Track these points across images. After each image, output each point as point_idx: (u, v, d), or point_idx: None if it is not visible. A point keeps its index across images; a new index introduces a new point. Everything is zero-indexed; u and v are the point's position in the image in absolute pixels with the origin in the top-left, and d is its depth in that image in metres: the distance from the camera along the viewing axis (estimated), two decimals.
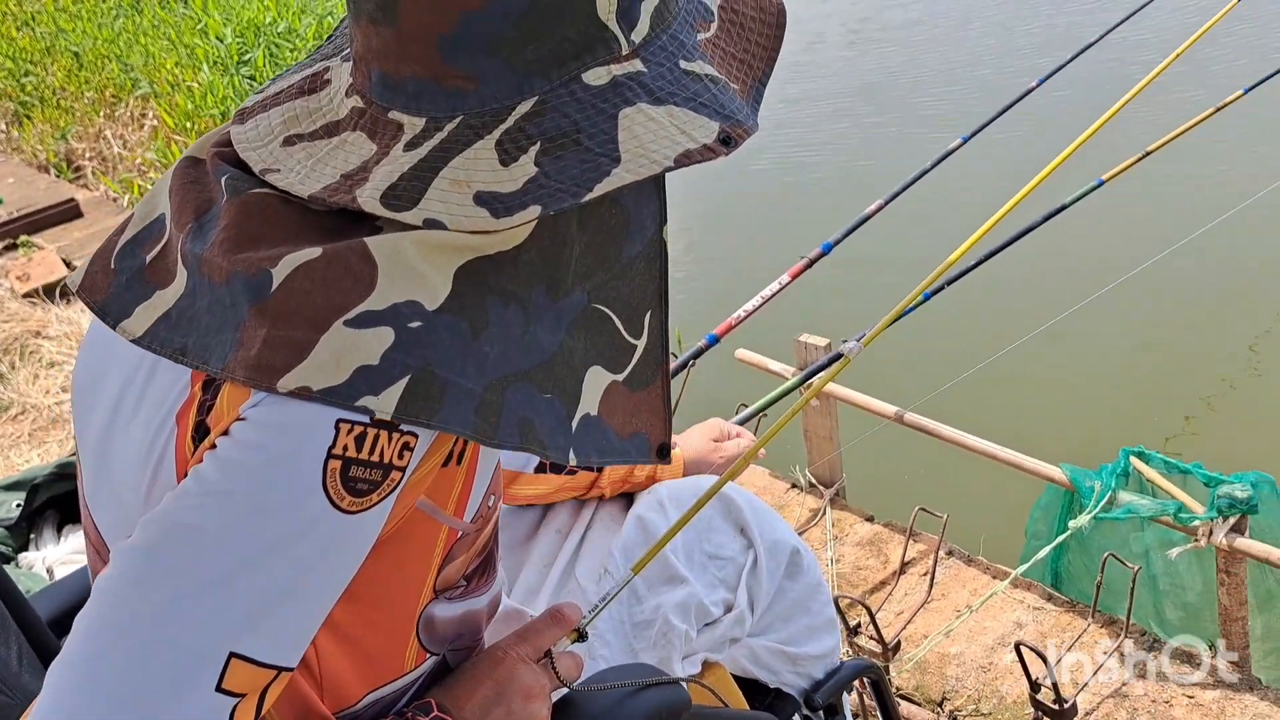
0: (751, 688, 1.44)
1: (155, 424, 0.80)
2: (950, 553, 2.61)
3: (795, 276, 2.57)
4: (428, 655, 0.92)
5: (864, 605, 1.77)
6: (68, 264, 4.74)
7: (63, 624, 1.20)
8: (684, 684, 1.12)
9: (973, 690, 2.24)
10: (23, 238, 5.12)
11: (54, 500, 2.51)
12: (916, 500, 2.80)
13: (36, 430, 3.59)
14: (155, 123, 6.16)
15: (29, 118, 6.72)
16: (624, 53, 0.76)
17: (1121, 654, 2.25)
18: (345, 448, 0.72)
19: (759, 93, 0.82)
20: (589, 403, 0.81)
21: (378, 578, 0.81)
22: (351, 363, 0.71)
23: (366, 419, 0.72)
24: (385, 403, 0.71)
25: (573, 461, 0.80)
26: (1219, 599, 2.15)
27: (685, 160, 0.74)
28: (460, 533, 0.87)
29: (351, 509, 0.73)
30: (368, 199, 0.74)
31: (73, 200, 5.36)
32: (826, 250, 2.62)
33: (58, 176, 5.99)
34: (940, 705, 2.23)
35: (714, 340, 2.52)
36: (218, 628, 0.71)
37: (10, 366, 3.97)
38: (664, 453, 0.87)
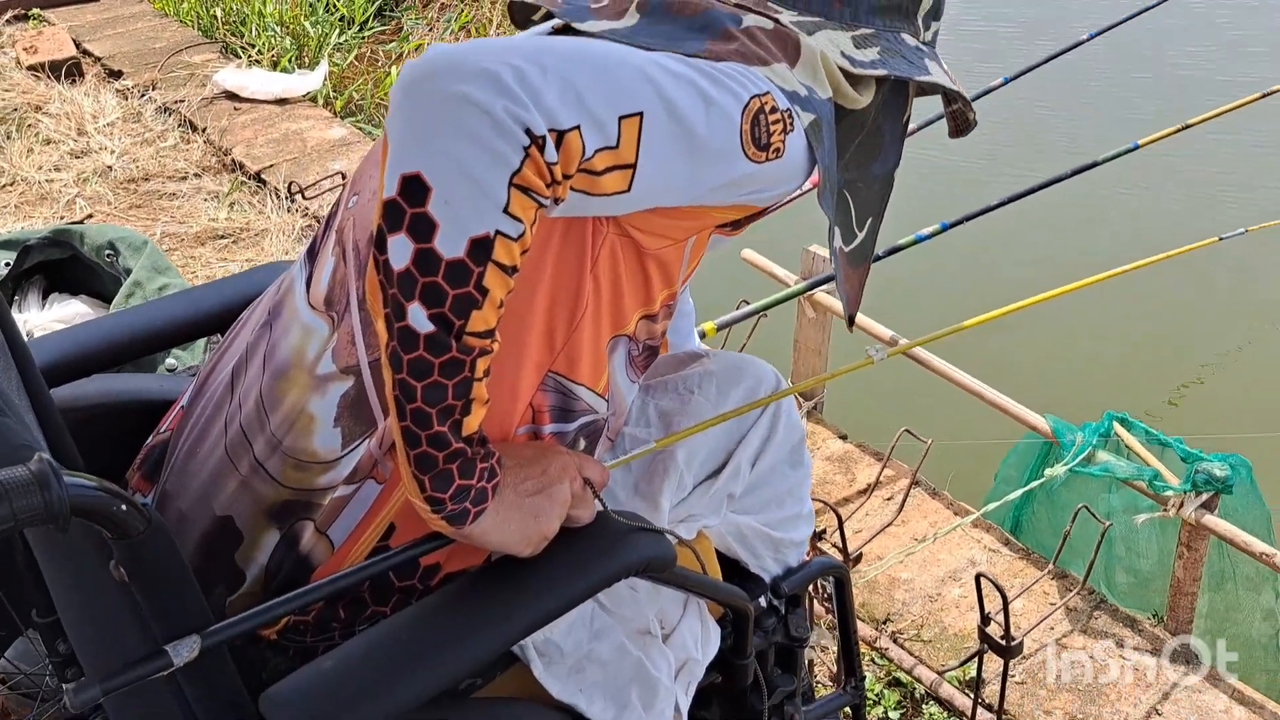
0: (727, 568, 1.44)
1: None
2: (918, 483, 2.62)
3: (816, 185, 2.53)
4: (607, 395, 1.10)
5: (835, 511, 1.78)
6: (78, 45, 4.60)
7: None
8: (670, 540, 1.11)
9: (917, 616, 2.27)
10: (35, 10, 4.96)
11: (43, 266, 2.45)
12: (893, 426, 2.80)
13: (24, 203, 3.52)
14: None
15: None
16: (921, 39, 1.11)
17: (1069, 607, 2.28)
18: (766, 105, 0.94)
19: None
20: (835, 242, 1.06)
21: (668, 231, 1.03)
22: (790, 85, 0.98)
23: (785, 106, 0.96)
24: (804, 119, 0.98)
25: (831, 258, 1.07)
26: (1174, 571, 2.18)
27: (959, 96, 1.14)
28: (671, 300, 1.11)
29: (745, 145, 0.93)
30: (784, 18, 1.04)
31: None
32: None
33: None
34: (883, 624, 2.26)
35: None
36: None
37: (6, 136, 3.87)
38: (850, 321, 1.13)
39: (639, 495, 1.24)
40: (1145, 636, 2.21)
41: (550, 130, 0.82)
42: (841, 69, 1.03)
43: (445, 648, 0.95)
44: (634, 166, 0.88)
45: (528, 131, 0.81)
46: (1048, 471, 2.20)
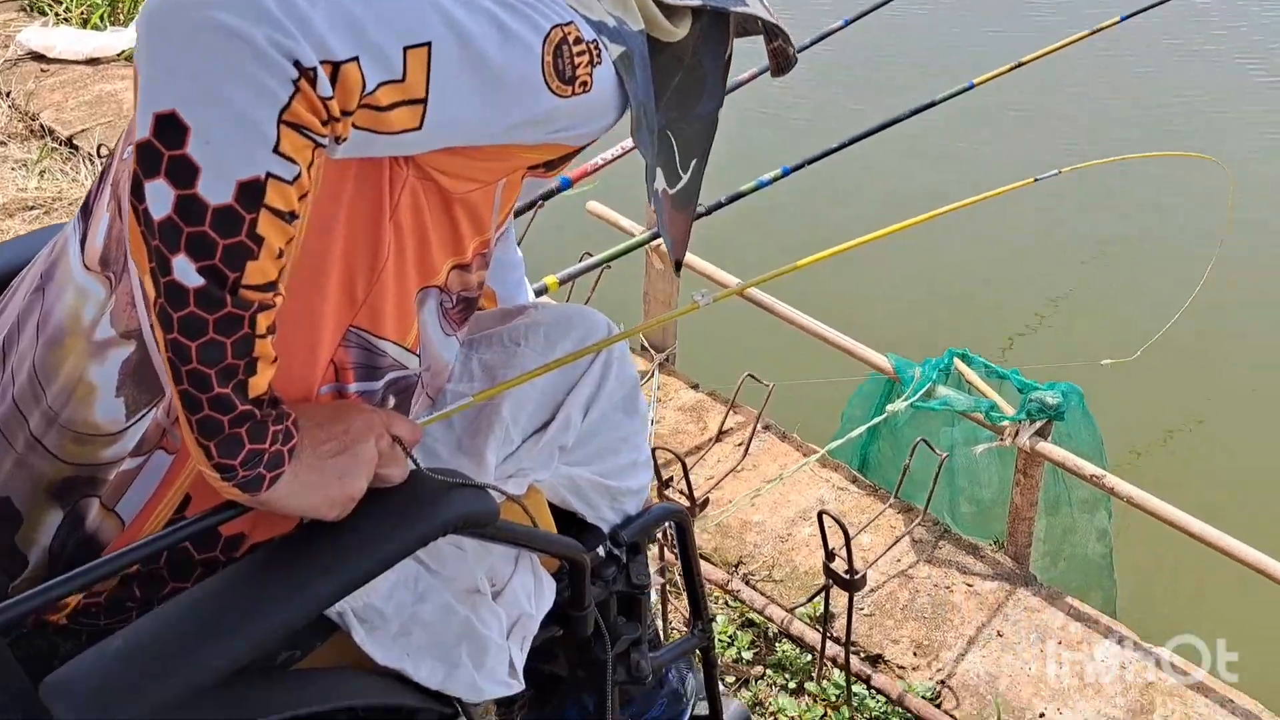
0: (565, 520, 1.41)
1: None
2: (768, 427, 2.64)
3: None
4: (418, 350, 1.06)
5: (679, 459, 1.77)
6: None
7: None
8: (492, 495, 1.08)
9: (768, 558, 2.30)
10: None
11: None
12: (741, 372, 2.82)
13: None
14: None
15: None
16: None
17: (913, 539, 2.33)
18: (569, 34, 0.89)
19: None
20: (658, 184, 1.03)
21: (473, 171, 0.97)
22: (597, 15, 0.93)
23: (591, 37, 0.92)
24: (612, 50, 0.93)
25: (652, 204, 1.04)
26: (1012, 498, 2.25)
27: (780, 32, 1.11)
28: (484, 249, 1.06)
29: (548, 78, 0.88)
30: None
31: None
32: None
33: None
34: (735, 568, 2.28)
35: (567, 184, 2.44)
36: None
37: None
38: (678, 267, 1.15)
39: (463, 452, 1.20)
40: (986, 562, 2.28)
41: (323, 62, 0.76)
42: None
43: (247, 618, 0.89)
44: (424, 101, 0.82)
45: (296, 64, 0.75)
46: (889, 408, 2.24)
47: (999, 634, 2.12)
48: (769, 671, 2.10)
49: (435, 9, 0.82)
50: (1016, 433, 2.13)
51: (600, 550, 1.39)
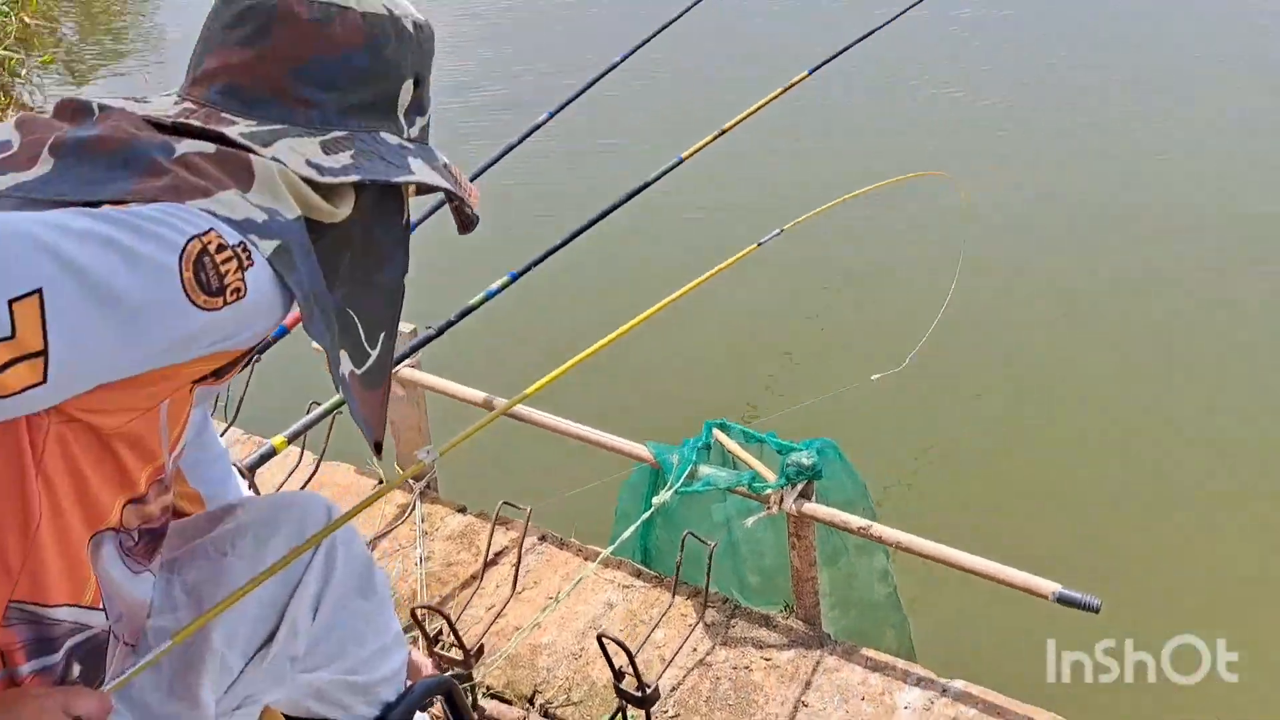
0: None
1: None
2: (544, 537, 2.55)
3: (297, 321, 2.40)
4: (101, 603, 0.96)
5: (442, 614, 1.65)
6: None
7: None
8: None
9: (564, 680, 2.19)
10: None
11: None
12: (510, 487, 2.72)
13: None
14: None
15: None
16: (406, 137, 1.04)
17: (706, 624, 2.28)
18: (209, 244, 0.83)
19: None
20: (344, 369, 0.97)
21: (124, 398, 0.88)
22: (242, 213, 0.88)
23: (237, 240, 0.85)
24: (265, 247, 0.87)
25: (341, 395, 1.05)
26: (791, 561, 2.23)
27: (451, 194, 1.06)
28: (160, 475, 0.99)
29: (193, 295, 0.82)
30: (234, 133, 0.93)
31: None
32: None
33: None
34: (531, 700, 2.16)
35: (283, 331, 2.30)
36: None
37: None
38: (379, 449, 1.03)
39: (175, 696, 1.06)
40: (780, 631, 2.25)
41: None
42: (309, 180, 0.93)
43: None
44: (44, 354, 0.74)
45: None
46: (655, 500, 2.19)
47: (804, 704, 2.09)
48: None
49: (43, 250, 0.74)
50: (781, 499, 2.12)
51: None
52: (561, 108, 2.89)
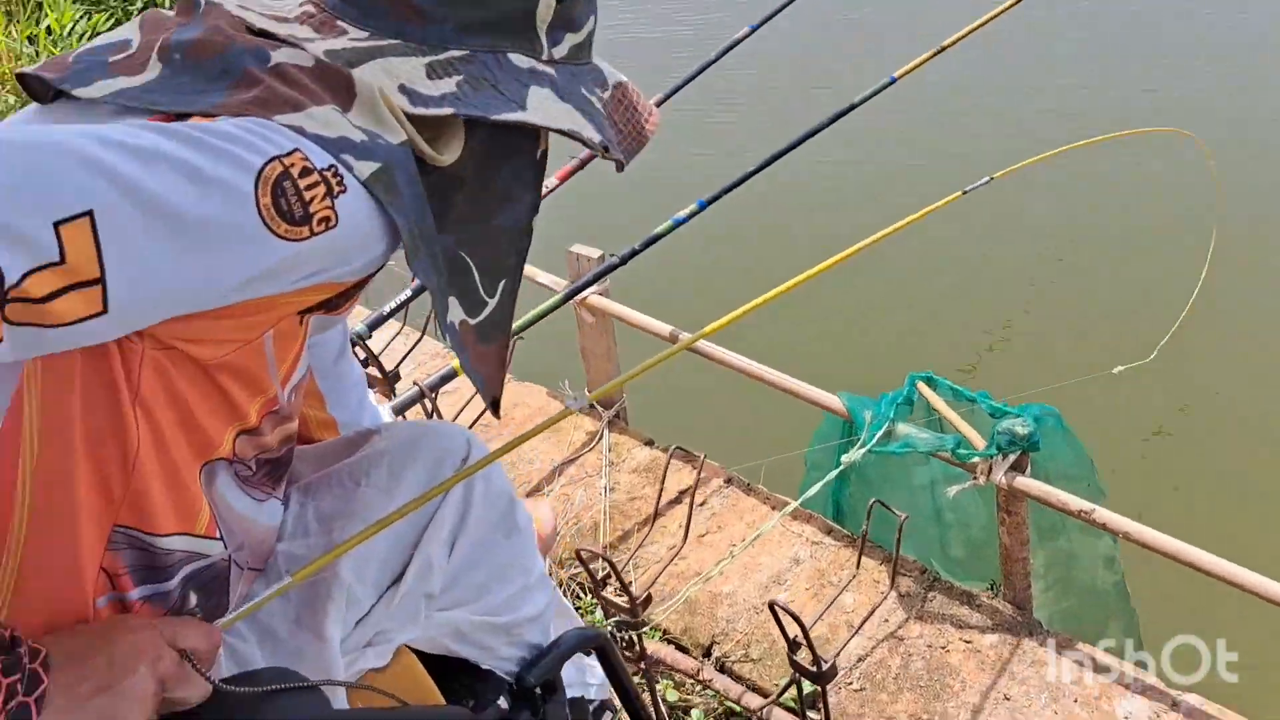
0: (455, 666, 1.20)
1: None
2: (730, 481, 2.42)
3: (564, 179, 2.29)
4: (218, 533, 0.90)
5: (606, 559, 1.54)
6: None
7: None
8: (324, 689, 0.87)
9: (743, 634, 2.06)
10: None
11: None
12: (699, 424, 2.60)
13: None
14: None
15: None
16: (543, 57, 0.88)
17: (900, 594, 2.10)
18: (292, 166, 0.73)
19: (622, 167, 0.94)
20: (454, 316, 0.87)
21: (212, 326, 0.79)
22: (339, 131, 0.77)
23: (326, 163, 0.75)
24: (362, 169, 0.76)
25: (447, 344, 0.86)
26: (1000, 538, 2.02)
27: (575, 136, 0.87)
28: (274, 406, 0.91)
29: (271, 224, 0.72)
30: (319, 49, 0.81)
31: None
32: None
33: None
34: (708, 652, 2.05)
35: None
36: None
37: None
38: (495, 406, 0.93)
39: (302, 627, 0.99)
40: (984, 612, 2.05)
41: None
42: (402, 109, 0.82)
43: None
44: (101, 281, 0.66)
45: None
46: (844, 459, 2.01)
47: (1006, 698, 1.88)
48: None
49: (96, 169, 0.66)
50: (990, 469, 1.90)
51: (502, 702, 1.16)
52: (765, 21, 2.66)
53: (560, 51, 0.89)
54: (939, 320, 3.64)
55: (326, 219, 0.74)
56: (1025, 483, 1.88)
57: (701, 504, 2.36)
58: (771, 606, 1.51)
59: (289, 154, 0.73)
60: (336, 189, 0.75)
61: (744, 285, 2.43)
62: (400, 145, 0.79)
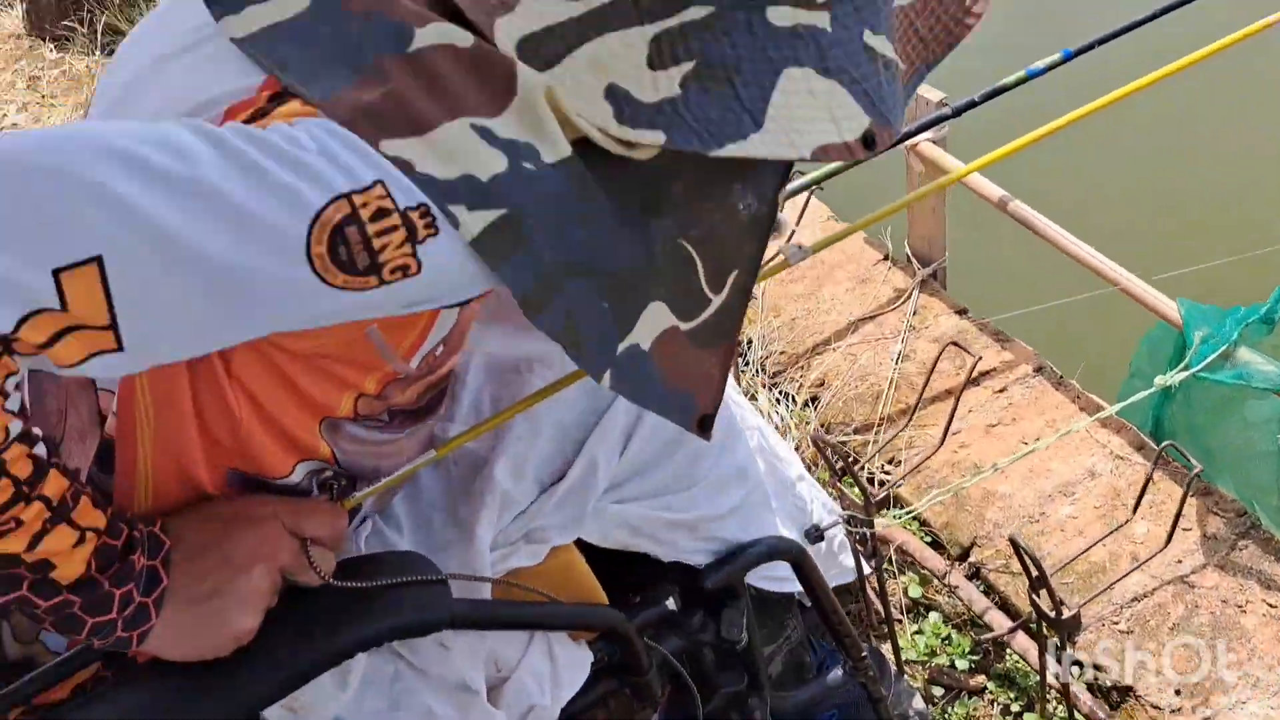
0: (638, 560, 1.18)
1: (195, 104, 0.71)
2: (1040, 369, 2.20)
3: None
4: (335, 461, 0.86)
5: (838, 453, 1.44)
6: None
7: None
8: (448, 589, 0.88)
9: (1007, 545, 1.91)
10: None
11: None
12: (1022, 304, 2.36)
13: None
14: None
15: None
16: (818, 0, 0.68)
17: (1205, 535, 1.85)
18: (363, 206, 0.63)
19: (920, 78, 0.78)
20: (642, 335, 0.74)
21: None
22: (463, 167, 0.65)
23: (414, 202, 0.64)
24: (473, 222, 0.65)
25: (606, 385, 0.72)
26: None
27: (821, 155, 0.70)
28: (396, 376, 0.83)
29: (326, 275, 0.63)
30: (503, 37, 0.68)
31: None
32: None
33: None
34: (966, 554, 1.92)
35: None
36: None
37: None
38: (705, 425, 0.79)
39: (454, 522, 1.00)
40: None
41: None
42: (602, 129, 0.68)
43: None
44: (112, 327, 0.61)
45: None
46: (1158, 380, 1.75)
47: None
48: (991, 685, 1.76)
49: (112, 206, 0.59)
50: None
51: (670, 603, 1.14)
52: None
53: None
54: None
55: (404, 268, 0.64)
56: None
57: (1001, 390, 2.17)
58: (1013, 542, 1.37)
59: (365, 189, 0.63)
60: (423, 233, 0.64)
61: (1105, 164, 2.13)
62: (557, 165, 0.67)
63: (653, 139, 0.67)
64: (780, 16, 0.67)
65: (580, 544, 1.10)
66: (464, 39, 0.67)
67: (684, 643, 1.17)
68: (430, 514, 1.00)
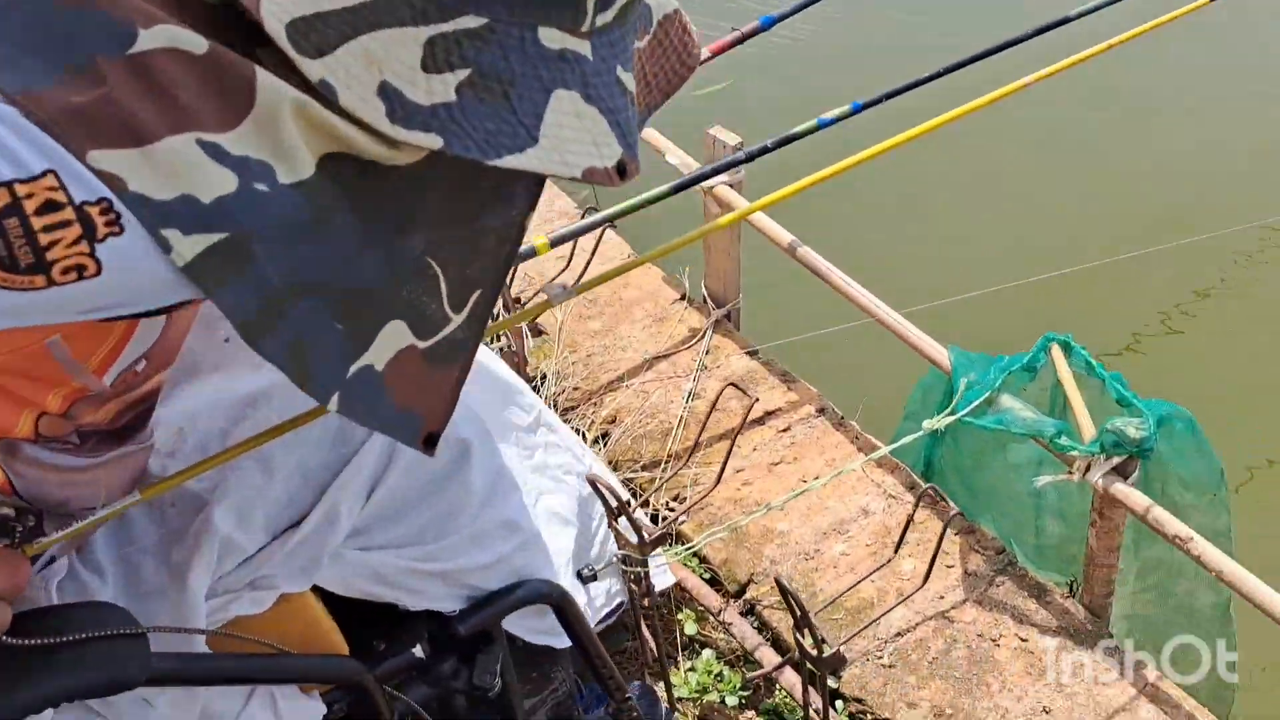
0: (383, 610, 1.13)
1: None
2: (823, 410, 2.26)
3: (717, 53, 2.10)
4: (13, 490, 0.80)
5: (614, 495, 1.44)
6: None
7: None
8: (146, 645, 0.81)
9: (785, 579, 1.95)
10: None
11: None
12: (809, 345, 2.43)
13: None
14: None
15: None
16: (582, 29, 0.68)
17: (966, 571, 1.94)
18: (27, 197, 0.57)
19: (643, 124, 0.77)
20: (377, 354, 0.71)
21: None
22: (183, 186, 0.60)
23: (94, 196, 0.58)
24: (188, 247, 0.60)
25: (333, 408, 0.69)
26: (1089, 539, 1.81)
27: (588, 177, 0.69)
28: (84, 394, 0.77)
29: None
30: (271, 18, 0.61)
31: None
32: (766, 25, 2.15)
33: None
34: (742, 591, 1.95)
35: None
36: None
37: None
38: (430, 442, 0.77)
39: (166, 568, 0.94)
40: (1052, 610, 1.86)
41: None
42: (370, 127, 0.64)
43: None
44: None
45: None
46: (926, 424, 1.82)
47: (1046, 710, 1.72)
48: None
49: None
50: (1088, 467, 1.69)
51: (418, 649, 1.10)
52: None
53: (604, 18, 0.69)
54: (1124, 279, 3.19)
55: (80, 268, 0.58)
56: (1123, 491, 1.66)
57: (785, 429, 2.23)
58: (779, 582, 1.39)
59: (32, 179, 0.56)
60: (103, 230, 0.58)
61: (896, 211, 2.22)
62: (296, 185, 0.63)
63: (428, 142, 0.64)
64: (550, 39, 0.67)
65: (323, 590, 1.05)
66: (198, 45, 0.61)
67: (434, 690, 1.14)
68: (140, 558, 0.93)
